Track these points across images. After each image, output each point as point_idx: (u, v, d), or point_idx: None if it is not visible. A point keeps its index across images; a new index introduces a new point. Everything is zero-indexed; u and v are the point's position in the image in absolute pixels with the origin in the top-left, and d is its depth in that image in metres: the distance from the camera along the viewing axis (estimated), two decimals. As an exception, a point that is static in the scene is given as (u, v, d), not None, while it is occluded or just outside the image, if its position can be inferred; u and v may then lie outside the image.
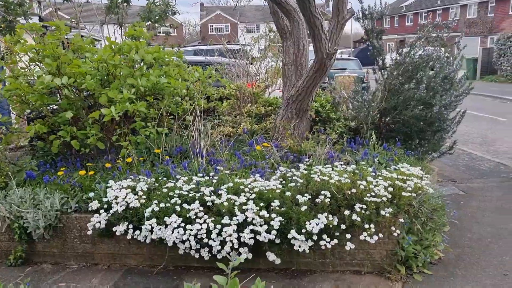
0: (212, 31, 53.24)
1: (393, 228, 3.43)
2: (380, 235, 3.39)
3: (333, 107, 5.51)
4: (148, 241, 3.61)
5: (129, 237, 3.65)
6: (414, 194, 3.51)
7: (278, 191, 3.54)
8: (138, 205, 3.62)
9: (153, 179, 3.97)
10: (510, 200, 5.25)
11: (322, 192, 3.40)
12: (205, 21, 57.21)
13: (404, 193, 3.44)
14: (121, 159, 4.38)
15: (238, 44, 7.73)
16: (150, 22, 6.93)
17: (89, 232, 3.75)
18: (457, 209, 5.06)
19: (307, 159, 4.31)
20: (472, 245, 4.05)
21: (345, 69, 15.96)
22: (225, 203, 3.45)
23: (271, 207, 3.43)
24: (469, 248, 3.99)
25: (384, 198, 3.38)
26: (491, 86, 19.99)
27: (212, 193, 3.70)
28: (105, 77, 4.59)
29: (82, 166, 4.48)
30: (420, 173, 3.83)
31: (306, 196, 3.42)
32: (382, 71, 5.22)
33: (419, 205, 3.58)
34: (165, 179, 4.02)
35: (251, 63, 7.14)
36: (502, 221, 4.59)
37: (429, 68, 4.92)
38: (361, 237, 3.33)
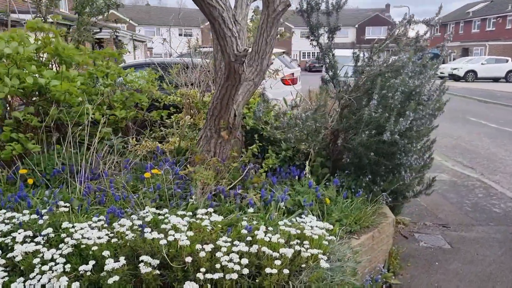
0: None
1: (246, 323, 2.25)
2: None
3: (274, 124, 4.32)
4: None
5: None
6: (287, 271, 2.30)
7: (94, 248, 2.48)
8: None
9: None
10: (508, 265, 3.78)
11: (142, 258, 2.29)
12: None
13: (268, 269, 2.25)
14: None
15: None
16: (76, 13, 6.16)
17: None
18: (426, 273, 3.72)
19: (194, 196, 3.21)
20: None
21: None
22: (18, 258, 2.47)
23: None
24: None
25: (234, 275, 2.21)
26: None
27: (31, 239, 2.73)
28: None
29: None
30: (319, 233, 2.58)
31: (120, 261, 2.33)
32: (334, 81, 3.97)
33: (304, 285, 2.36)
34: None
35: None
36: (477, 302, 3.20)
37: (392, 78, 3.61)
38: (187, 336, 2.17)
